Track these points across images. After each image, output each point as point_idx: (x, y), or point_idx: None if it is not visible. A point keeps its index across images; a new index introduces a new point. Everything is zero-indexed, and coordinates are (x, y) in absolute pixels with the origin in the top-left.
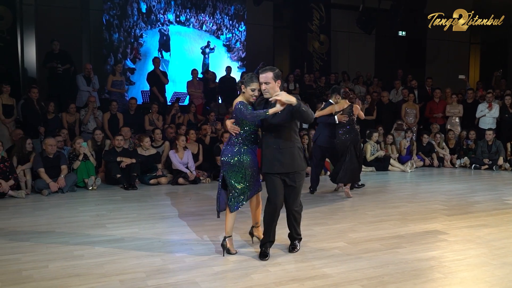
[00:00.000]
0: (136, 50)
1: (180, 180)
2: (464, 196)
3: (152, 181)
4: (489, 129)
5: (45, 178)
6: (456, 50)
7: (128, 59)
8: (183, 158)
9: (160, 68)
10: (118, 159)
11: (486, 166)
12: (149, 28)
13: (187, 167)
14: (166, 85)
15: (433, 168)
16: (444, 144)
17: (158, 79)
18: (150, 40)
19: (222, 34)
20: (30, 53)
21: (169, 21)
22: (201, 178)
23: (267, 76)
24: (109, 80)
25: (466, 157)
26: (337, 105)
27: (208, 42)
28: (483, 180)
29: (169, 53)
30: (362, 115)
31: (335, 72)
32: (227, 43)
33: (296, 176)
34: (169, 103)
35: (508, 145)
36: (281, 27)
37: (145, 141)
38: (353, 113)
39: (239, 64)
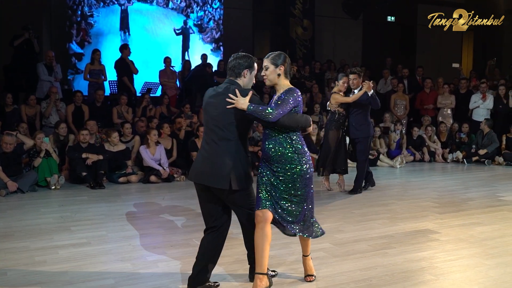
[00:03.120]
0: (84, 31)
1: (152, 178)
2: (456, 192)
3: (121, 179)
4: (485, 119)
5: (3, 177)
6: (448, 37)
7: (74, 42)
8: (155, 154)
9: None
10: (84, 155)
11: (477, 158)
12: (101, 5)
13: (159, 164)
14: (134, 75)
15: (424, 163)
16: (435, 137)
17: (127, 68)
18: (103, 21)
19: (193, 12)
20: None
21: None
22: (175, 175)
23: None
24: (86, 69)
25: (458, 151)
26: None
27: (185, 20)
28: (476, 175)
29: (127, 35)
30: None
31: (319, 61)
32: (199, 22)
33: None
34: (139, 94)
35: (504, 137)
36: (261, 11)
37: (113, 135)
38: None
39: (213, 46)
